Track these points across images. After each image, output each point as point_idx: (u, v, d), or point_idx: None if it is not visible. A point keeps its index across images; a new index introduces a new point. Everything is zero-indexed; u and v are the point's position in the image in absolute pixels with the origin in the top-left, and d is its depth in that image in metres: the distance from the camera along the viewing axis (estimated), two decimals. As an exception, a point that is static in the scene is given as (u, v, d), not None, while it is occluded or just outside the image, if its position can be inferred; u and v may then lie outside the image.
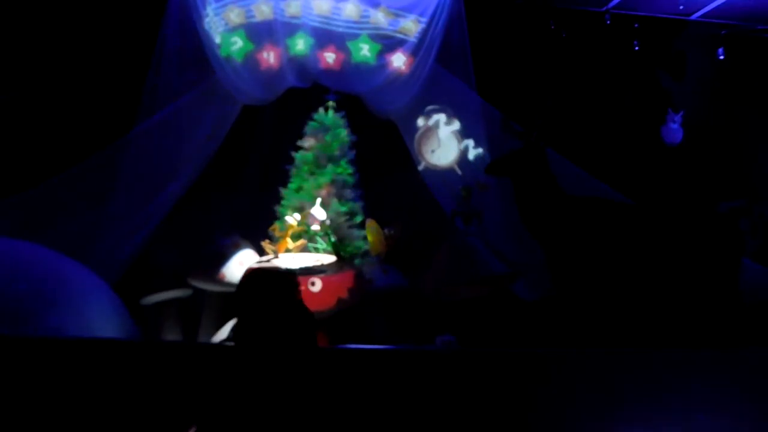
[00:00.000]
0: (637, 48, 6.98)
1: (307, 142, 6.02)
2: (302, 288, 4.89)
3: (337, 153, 6.00)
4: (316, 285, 5.03)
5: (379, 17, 6.19)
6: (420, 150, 6.47)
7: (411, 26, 6.24)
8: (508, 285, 5.54)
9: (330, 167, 5.93)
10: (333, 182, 5.91)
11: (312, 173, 5.92)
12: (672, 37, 7.17)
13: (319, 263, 5.16)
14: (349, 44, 6.19)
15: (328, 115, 6.13)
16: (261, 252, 5.58)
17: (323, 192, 5.81)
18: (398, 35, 6.25)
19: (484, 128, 6.34)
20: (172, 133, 6.00)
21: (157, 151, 5.92)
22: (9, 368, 3.37)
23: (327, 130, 6.03)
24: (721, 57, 7.09)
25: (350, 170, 6.04)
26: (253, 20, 6.06)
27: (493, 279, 5.16)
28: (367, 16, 6.19)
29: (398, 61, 6.28)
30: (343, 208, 5.81)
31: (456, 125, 6.47)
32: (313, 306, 5.02)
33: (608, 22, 6.85)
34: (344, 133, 6.10)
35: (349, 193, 5.97)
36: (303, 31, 6.12)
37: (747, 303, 4.62)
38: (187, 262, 5.65)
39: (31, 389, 3.33)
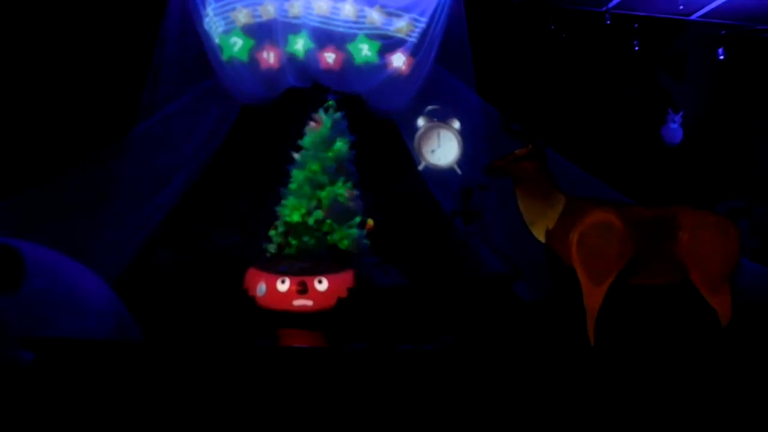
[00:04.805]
0: (637, 48, 6.98)
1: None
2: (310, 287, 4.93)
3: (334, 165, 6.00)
4: (323, 284, 5.05)
5: (375, 17, 6.19)
6: (420, 150, 6.47)
7: (404, 26, 6.24)
8: (508, 285, 5.55)
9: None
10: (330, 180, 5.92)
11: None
12: (672, 37, 7.16)
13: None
14: (349, 45, 6.19)
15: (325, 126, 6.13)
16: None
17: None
18: (395, 35, 6.25)
19: (484, 128, 6.34)
20: (172, 133, 6.01)
21: (157, 151, 5.93)
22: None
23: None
24: (721, 57, 7.09)
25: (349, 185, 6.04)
26: (259, 20, 6.07)
27: None
28: (364, 16, 6.20)
29: (398, 61, 6.28)
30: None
31: (456, 125, 6.47)
32: (314, 306, 5.11)
33: (608, 22, 6.85)
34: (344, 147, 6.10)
35: (348, 192, 5.97)
36: (303, 32, 6.12)
37: (747, 303, 4.61)
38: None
39: (32, 390, 3.33)
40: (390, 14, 6.21)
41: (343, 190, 5.88)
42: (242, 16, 6.05)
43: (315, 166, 5.88)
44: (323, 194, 5.79)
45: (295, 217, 5.77)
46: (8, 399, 2.85)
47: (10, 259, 2.94)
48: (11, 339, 2.82)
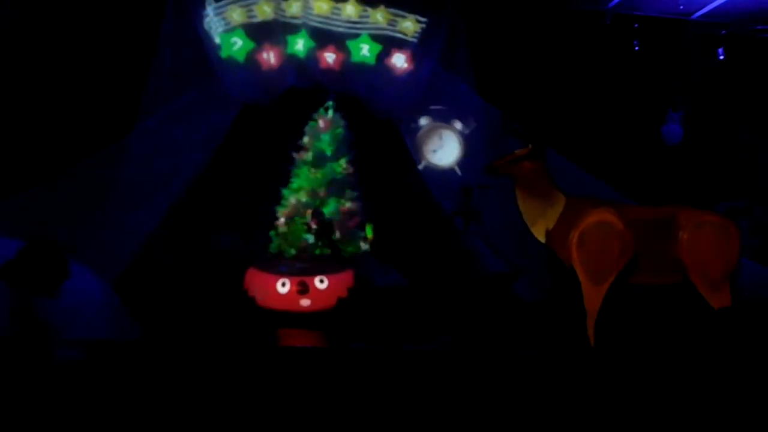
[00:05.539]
0: (637, 48, 6.98)
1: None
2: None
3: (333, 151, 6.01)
4: (324, 284, 5.05)
5: (378, 17, 6.20)
6: (421, 150, 6.47)
7: (410, 26, 6.25)
8: (508, 285, 5.54)
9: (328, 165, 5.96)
10: (332, 181, 5.92)
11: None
12: (672, 37, 7.16)
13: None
14: (349, 44, 6.20)
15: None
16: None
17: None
18: (398, 35, 6.25)
19: (485, 128, 6.34)
20: (172, 133, 6.01)
21: (158, 151, 5.93)
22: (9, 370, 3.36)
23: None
24: (721, 57, 7.09)
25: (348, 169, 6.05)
26: (255, 20, 6.08)
27: None
28: (367, 16, 6.20)
29: (399, 61, 6.28)
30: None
31: (458, 125, 6.47)
32: (314, 305, 5.11)
33: (608, 22, 6.86)
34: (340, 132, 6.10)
35: (348, 193, 5.98)
36: (303, 32, 6.13)
37: (747, 302, 4.61)
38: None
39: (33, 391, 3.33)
40: (393, 15, 6.22)
41: (345, 195, 5.91)
42: (236, 15, 6.06)
43: (319, 175, 5.90)
44: (326, 205, 5.81)
45: (296, 218, 5.77)
46: (6, 398, 2.85)
47: (59, 261, 2.89)
48: (61, 341, 2.81)
